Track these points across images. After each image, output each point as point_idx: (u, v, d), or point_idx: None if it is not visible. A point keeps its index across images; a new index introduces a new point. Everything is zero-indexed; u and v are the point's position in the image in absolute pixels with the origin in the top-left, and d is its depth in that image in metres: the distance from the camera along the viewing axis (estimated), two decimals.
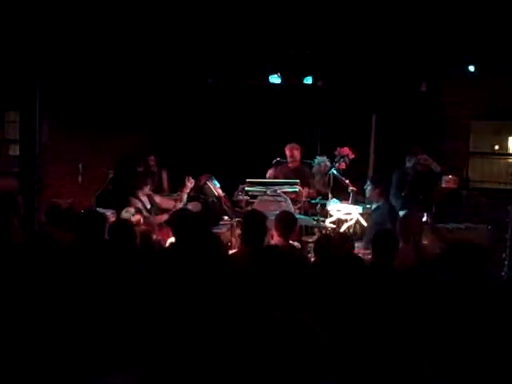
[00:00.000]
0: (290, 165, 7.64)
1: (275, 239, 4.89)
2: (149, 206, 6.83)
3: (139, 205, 6.65)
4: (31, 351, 3.35)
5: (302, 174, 7.44)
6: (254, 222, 4.75)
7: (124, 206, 6.71)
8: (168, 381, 3.21)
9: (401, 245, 5.06)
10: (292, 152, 7.65)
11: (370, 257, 5.01)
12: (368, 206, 6.86)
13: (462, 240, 5.49)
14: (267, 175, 7.69)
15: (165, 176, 8.40)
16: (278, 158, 7.58)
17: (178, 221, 4.92)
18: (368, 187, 6.91)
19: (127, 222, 5.12)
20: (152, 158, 8.36)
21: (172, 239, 5.51)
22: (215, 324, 3.40)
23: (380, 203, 6.78)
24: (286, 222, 5.04)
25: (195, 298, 3.60)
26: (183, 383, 3.21)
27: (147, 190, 6.92)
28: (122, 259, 4.20)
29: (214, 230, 6.50)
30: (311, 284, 3.89)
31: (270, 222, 5.08)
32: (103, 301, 3.66)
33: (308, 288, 3.79)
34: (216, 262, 4.06)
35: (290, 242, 6.10)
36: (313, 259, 5.00)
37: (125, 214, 6.51)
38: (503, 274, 6.30)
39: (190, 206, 6.98)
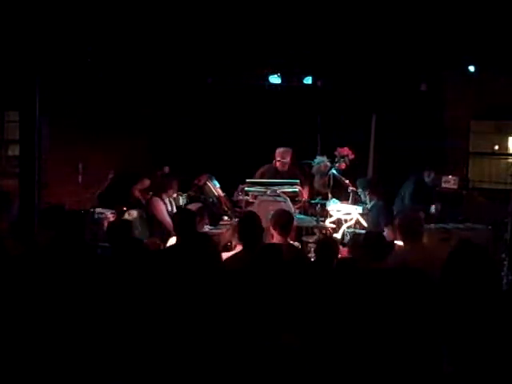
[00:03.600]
0: (279, 168, 7.53)
1: (275, 238, 4.88)
2: (170, 209, 6.83)
3: (162, 207, 6.65)
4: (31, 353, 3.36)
5: (293, 177, 7.37)
6: (250, 225, 4.75)
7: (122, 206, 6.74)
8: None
9: (401, 244, 5.07)
10: (282, 156, 7.56)
11: None
12: (366, 205, 6.82)
13: None
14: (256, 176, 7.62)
15: None
16: (278, 158, 7.57)
17: (181, 220, 4.91)
18: (361, 193, 6.91)
19: (126, 222, 5.11)
20: (166, 169, 8.24)
21: (173, 240, 5.51)
22: (211, 327, 3.40)
23: (374, 202, 6.74)
24: (283, 220, 5.03)
25: (193, 299, 3.60)
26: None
27: (172, 193, 6.92)
28: (119, 259, 4.20)
29: (214, 231, 6.53)
30: (311, 284, 3.89)
31: (269, 222, 5.09)
32: (97, 300, 3.66)
33: (307, 288, 3.79)
34: (214, 264, 4.06)
35: (291, 242, 6.13)
36: (313, 259, 5.00)
37: (127, 218, 6.50)
38: (503, 274, 6.30)
39: (190, 207, 6.98)
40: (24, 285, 3.78)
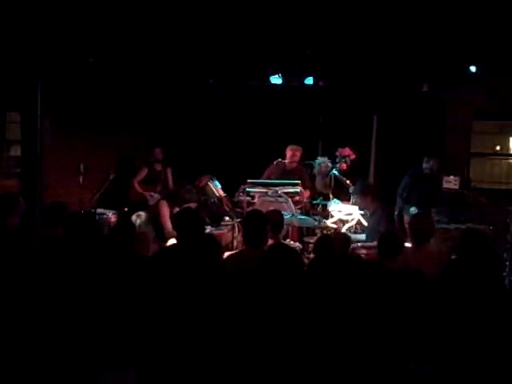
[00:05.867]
0: (287, 166, 7.58)
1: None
2: None
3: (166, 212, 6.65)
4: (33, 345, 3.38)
5: (300, 176, 7.41)
6: (255, 222, 4.74)
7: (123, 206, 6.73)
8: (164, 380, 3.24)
9: (411, 247, 5.05)
10: (294, 153, 7.62)
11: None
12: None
13: None
14: (264, 175, 7.64)
15: (169, 174, 8.38)
16: (280, 159, 7.58)
17: (182, 220, 4.92)
18: (356, 200, 6.66)
19: (130, 223, 5.11)
20: (158, 150, 8.31)
21: (172, 241, 5.51)
22: (213, 324, 3.40)
23: (374, 209, 6.50)
24: (273, 220, 5.01)
25: (195, 299, 3.60)
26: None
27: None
28: (121, 259, 4.21)
29: (215, 231, 6.52)
30: (307, 284, 3.89)
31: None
32: (102, 298, 3.67)
33: (304, 288, 3.79)
34: (215, 264, 4.05)
35: (291, 242, 6.13)
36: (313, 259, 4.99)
37: (135, 219, 6.49)
38: (505, 274, 6.30)
39: (187, 206, 6.96)
40: (30, 282, 3.80)
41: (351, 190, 6.98)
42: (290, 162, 7.56)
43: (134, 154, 8.92)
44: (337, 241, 4.89)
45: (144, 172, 8.19)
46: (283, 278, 3.66)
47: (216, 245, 4.27)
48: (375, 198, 6.56)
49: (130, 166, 8.61)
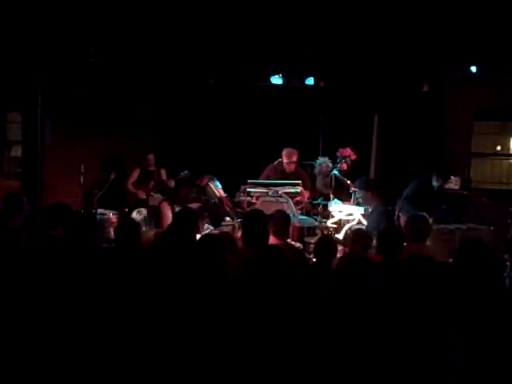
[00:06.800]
0: (285, 168, 7.56)
1: (270, 239, 4.85)
2: None
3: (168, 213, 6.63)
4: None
5: (299, 178, 7.38)
6: (254, 222, 4.73)
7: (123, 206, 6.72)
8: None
9: (407, 246, 5.05)
10: (290, 157, 7.57)
11: None
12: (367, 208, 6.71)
13: None
14: (262, 175, 7.62)
15: (164, 175, 8.38)
16: (280, 159, 7.57)
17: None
18: (360, 195, 6.69)
19: (134, 222, 5.10)
20: (151, 156, 8.36)
21: None
22: (211, 326, 3.40)
23: (373, 205, 6.54)
24: (279, 221, 5.00)
25: (194, 300, 3.61)
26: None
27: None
28: (126, 258, 4.21)
29: (216, 231, 6.51)
30: (310, 286, 3.89)
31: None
32: (102, 299, 3.68)
33: (307, 290, 3.78)
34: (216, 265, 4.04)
35: (292, 242, 6.12)
36: (314, 260, 4.99)
37: (135, 216, 6.49)
38: (505, 274, 6.28)
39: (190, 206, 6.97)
40: (31, 280, 3.81)
41: (352, 187, 6.97)
42: (288, 164, 7.53)
43: (125, 153, 8.89)
44: (358, 238, 4.88)
45: (136, 173, 8.25)
46: (268, 279, 3.66)
47: (221, 245, 4.27)
48: (377, 193, 6.57)
49: (124, 165, 8.62)
